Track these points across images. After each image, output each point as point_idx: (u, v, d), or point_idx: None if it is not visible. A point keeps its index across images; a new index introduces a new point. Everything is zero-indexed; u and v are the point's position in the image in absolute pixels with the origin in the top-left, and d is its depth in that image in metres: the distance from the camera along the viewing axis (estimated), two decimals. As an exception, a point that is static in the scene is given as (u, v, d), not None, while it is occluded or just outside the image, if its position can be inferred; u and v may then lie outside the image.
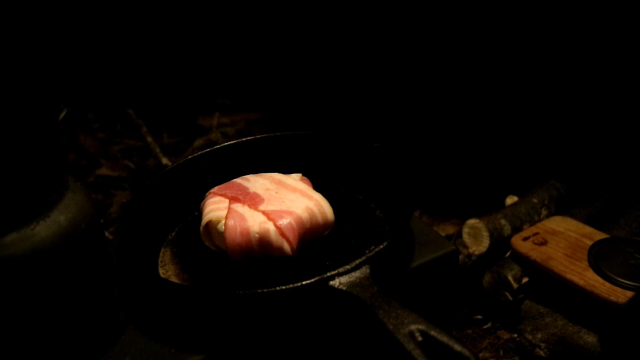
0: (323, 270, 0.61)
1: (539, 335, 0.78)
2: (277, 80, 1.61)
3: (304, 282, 0.59)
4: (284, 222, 0.70)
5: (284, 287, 0.60)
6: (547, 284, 0.81)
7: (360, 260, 0.61)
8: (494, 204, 0.98)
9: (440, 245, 0.73)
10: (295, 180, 0.79)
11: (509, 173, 1.09)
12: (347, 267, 0.60)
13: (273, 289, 0.60)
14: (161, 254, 0.78)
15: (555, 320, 0.79)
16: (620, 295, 0.72)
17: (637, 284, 0.73)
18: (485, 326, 0.86)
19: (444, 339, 0.52)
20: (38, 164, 0.59)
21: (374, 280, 0.60)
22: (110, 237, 1.04)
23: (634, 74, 0.98)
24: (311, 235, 0.73)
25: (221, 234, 0.71)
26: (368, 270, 0.61)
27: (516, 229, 0.90)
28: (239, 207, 0.73)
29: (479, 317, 0.87)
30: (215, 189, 0.78)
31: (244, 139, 0.90)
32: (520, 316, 0.82)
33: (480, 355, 0.81)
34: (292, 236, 0.69)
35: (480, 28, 1.17)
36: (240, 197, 0.75)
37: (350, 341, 0.67)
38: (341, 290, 0.59)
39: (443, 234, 0.90)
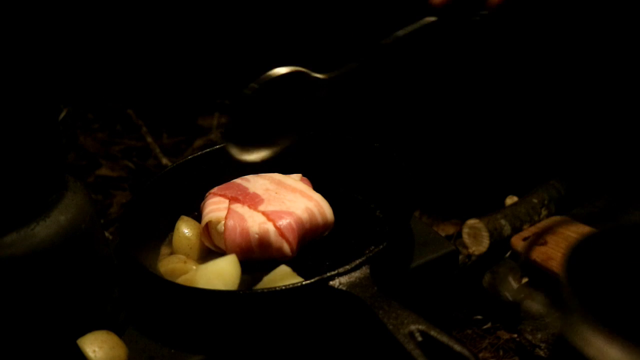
0: (323, 270, 0.61)
1: (539, 335, 0.78)
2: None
3: (304, 282, 0.60)
4: (283, 222, 0.70)
5: (284, 287, 0.60)
6: (547, 284, 0.80)
7: (360, 260, 0.61)
8: (494, 204, 0.98)
9: (440, 245, 0.73)
10: (295, 180, 0.79)
11: (509, 173, 1.09)
12: (347, 267, 0.60)
13: (273, 288, 0.60)
14: (161, 254, 0.78)
15: (556, 320, 0.78)
16: (620, 295, 0.72)
17: (637, 284, 0.73)
18: (485, 326, 0.86)
19: (444, 339, 0.52)
20: (38, 164, 0.59)
21: (374, 280, 0.60)
22: (110, 237, 1.04)
23: (633, 73, 0.98)
24: (311, 236, 0.73)
25: (221, 235, 0.71)
26: (368, 270, 0.61)
27: (516, 229, 0.90)
28: (238, 208, 0.73)
29: (479, 317, 0.87)
30: (215, 189, 0.78)
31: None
32: (520, 316, 0.82)
33: (480, 355, 0.81)
34: (291, 237, 0.70)
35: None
36: (240, 197, 0.75)
37: (350, 341, 0.67)
38: (341, 290, 0.59)
39: (443, 234, 0.90)
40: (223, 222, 0.71)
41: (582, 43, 1.01)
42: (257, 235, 0.69)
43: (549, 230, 0.86)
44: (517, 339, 0.81)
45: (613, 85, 1.02)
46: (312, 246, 0.74)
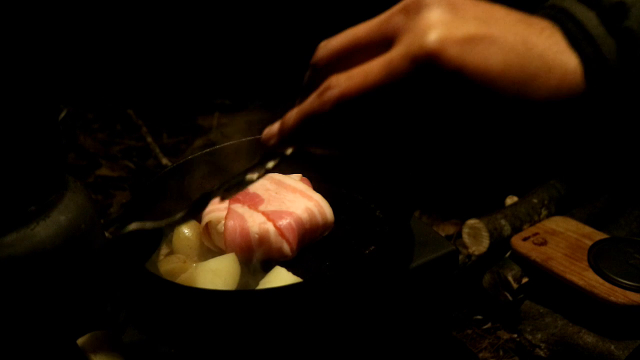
0: (323, 270, 0.61)
1: (539, 336, 0.78)
2: (277, 80, 1.61)
3: (304, 282, 0.60)
4: (283, 222, 0.70)
5: (284, 287, 0.60)
6: (547, 284, 0.80)
7: (360, 260, 0.61)
8: (494, 204, 0.98)
9: (440, 245, 0.73)
10: (295, 180, 0.79)
11: (509, 173, 1.09)
12: (347, 267, 0.60)
13: (273, 288, 0.60)
14: (161, 254, 0.78)
15: (555, 321, 0.79)
16: (620, 295, 0.72)
17: (637, 284, 0.73)
18: (485, 326, 0.86)
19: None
20: (38, 164, 0.59)
21: (373, 280, 0.60)
22: (110, 237, 1.04)
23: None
24: (311, 236, 0.73)
25: (221, 235, 0.71)
26: (367, 269, 0.61)
27: (516, 229, 0.90)
28: (238, 208, 0.73)
29: (479, 317, 0.87)
30: (215, 189, 0.78)
31: (243, 139, 0.90)
32: (520, 316, 0.82)
33: (480, 355, 0.81)
34: (291, 237, 0.70)
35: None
36: (240, 197, 0.75)
37: (350, 341, 0.67)
38: (341, 290, 0.59)
39: (443, 234, 0.90)
40: (223, 222, 0.71)
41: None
42: (257, 235, 0.69)
43: (549, 230, 0.86)
44: (517, 339, 0.81)
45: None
46: (312, 246, 0.74)
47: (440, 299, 0.76)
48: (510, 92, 0.32)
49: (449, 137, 0.33)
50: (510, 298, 0.83)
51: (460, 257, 0.90)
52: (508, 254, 0.87)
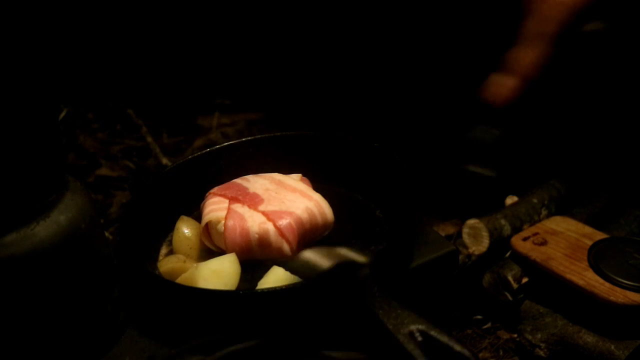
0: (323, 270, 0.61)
1: (539, 335, 0.78)
2: (277, 80, 1.61)
3: (304, 282, 0.60)
4: (283, 222, 0.70)
5: (284, 287, 0.60)
6: (547, 284, 0.80)
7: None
8: (494, 204, 0.98)
9: (440, 245, 0.73)
10: (295, 180, 0.79)
11: (509, 173, 1.09)
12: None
13: (273, 288, 0.60)
14: (161, 254, 0.78)
15: (555, 320, 0.78)
16: (620, 295, 0.72)
17: (637, 284, 0.73)
18: (485, 326, 0.86)
19: (444, 338, 0.52)
20: (38, 164, 0.59)
21: (374, 280, 0.60)
22: (110, 237, 1.04)
23: (634, 72, 0.98)
24: (311, 236, 0.73)
25: (221, 235, 0.71)
26: (368, 270, 0.61)
27: (516, 229, 0.90)
28: (238, 208, 0.73)
29: (479, 317, 0.87)
30: (215, 189, 0.78)
31: (244, 139, 0.90)
32: (520, 316, 0.82)
33: (480, 355, 0.81)
34: (291, 237, 0.70)
35: (479, 24, 1.17)
36: (240, 197, 0.75)
37: (349, 341, 0.67)
38: (341, 290, 0.59)
39: (443, 234, 0.90)
40: (223, 222, 0.71)
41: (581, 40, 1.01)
42: (257, 235, 0.69)
43: (549, 230, 0.86)
44: (517, 339, 0.81)
45: (613, 85, 1.02)
46: (312, 246, 0.74)
47: (440, 299, 0.76)
48: None
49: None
50: (510, 298, 0.83)
51: (460, 257, 0.90)
52: (508, 254, 0.87)
